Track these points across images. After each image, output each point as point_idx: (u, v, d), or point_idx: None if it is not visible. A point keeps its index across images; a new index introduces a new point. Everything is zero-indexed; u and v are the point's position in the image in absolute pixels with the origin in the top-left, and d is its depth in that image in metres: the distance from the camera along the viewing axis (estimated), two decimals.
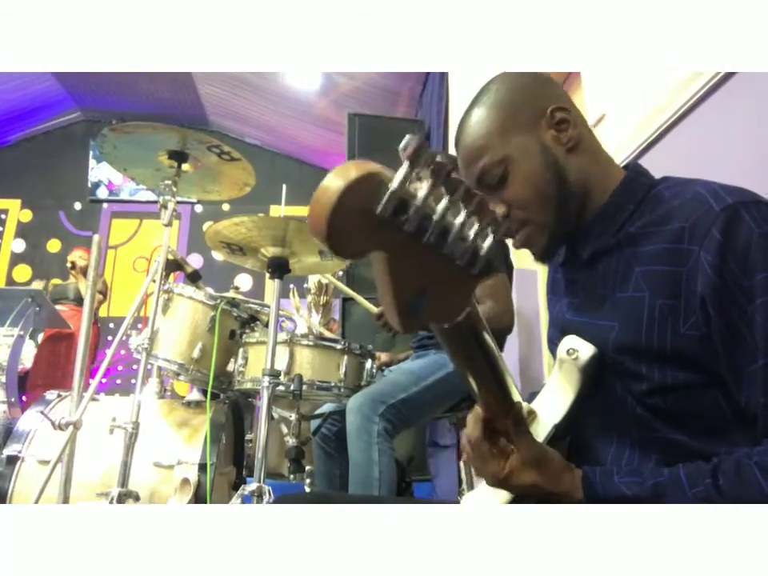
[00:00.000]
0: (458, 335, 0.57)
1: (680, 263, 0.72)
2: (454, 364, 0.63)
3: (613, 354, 0.77)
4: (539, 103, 0.85)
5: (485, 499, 0.82)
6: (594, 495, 0.70)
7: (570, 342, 0.81)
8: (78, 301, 4.59)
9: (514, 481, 0.72)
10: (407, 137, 0.43)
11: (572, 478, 0.73)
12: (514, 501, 0.78)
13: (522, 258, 2.75)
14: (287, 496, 1.00)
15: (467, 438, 0.76)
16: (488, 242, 0.48)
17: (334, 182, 0.40)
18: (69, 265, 4.79)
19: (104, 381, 5.66)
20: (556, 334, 0.91)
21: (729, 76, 1.29)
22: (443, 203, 0.45)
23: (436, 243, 0.45)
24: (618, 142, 1.72)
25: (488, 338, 0.60)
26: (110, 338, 6.29)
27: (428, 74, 4.74)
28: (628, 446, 0.79)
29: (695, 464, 0.69)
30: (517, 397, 0.72)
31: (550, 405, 0.80)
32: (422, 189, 0.43)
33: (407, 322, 0.46)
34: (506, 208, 0.84)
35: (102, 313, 6.53)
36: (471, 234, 0.47)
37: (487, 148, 0.84)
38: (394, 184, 0.42)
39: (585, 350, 0.79)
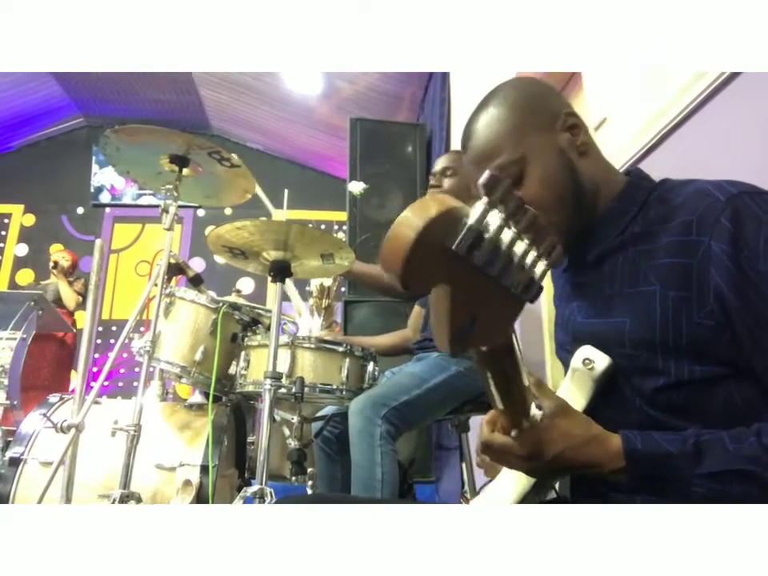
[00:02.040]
0: (495, 356, 0.57)
1: (689, 255, 0.73)
2: (482, 377, 0.62)
3: (630, 349, 0.77)
4: (553, 108, 0.87)
5: (491, 501, 0.82)
6: (633, 449, 0.70)
7: (586, 352, 0.81)
8: (57, 303, 4.47)
9: (550, 434, 0.69)
10: (486, 173, 0.43)
11: (605, 433, 0.72)
12: (528, 494, 0.77)
13: None
14: (288, 498, 1.00)
15: (483, 442, 0.75)
16: (541, 268, 0.49)
17: (412, 220, 0.41)
18: (51, 264, 4.68)
19: (106, 384, 5.68)
20: (567, 340, 0.91)
21: (734, 76, 1.29)
22: (510, 235, 0.45)
23: (501, 274, 0.45)
24: (620, 145, 1.72)
25: (518, 352, 0.59)
26: (112, 341, 6.30)
27: (429, 78, 4.74)
28: None
29: (736, 428, 0.69)
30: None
31: None
32: (494, 222, 0.44)
33: (456, 349, 0.47)
34: None
35: (105, 316, 6.56)
36: (529, 262, 0.48)
37: (503, 147, 0.84)
38: (472, 220, 0.42)
39: (600, 360, 0.79)
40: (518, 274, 0.47)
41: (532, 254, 0.48)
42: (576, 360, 0.81)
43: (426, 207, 0.41)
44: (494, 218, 0.44)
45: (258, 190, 2.14)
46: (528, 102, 0.87)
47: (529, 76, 0.92)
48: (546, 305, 2.65)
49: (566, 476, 0.81)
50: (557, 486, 0.85)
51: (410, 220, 0.41)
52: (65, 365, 4.38)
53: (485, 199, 0.43)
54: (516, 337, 0.59)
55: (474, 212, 0.42)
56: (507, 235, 0.45)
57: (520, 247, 0.47)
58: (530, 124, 0.85)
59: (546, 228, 0.48)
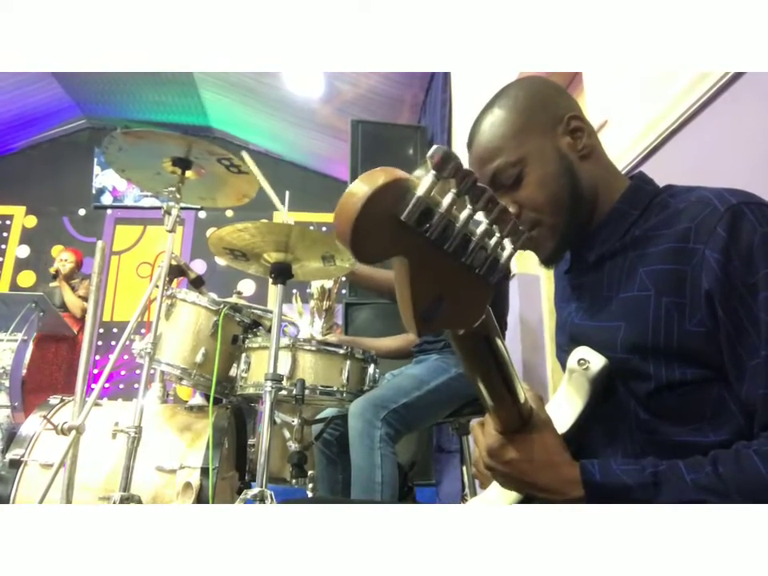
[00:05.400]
0: (471, 342, 0.57)
1: (685, 262, 0.73)
2: (466, 370, 0.62)
3: (621, 353, 0.77)
4: (556, 110, 0.87)
5: (488, 503, 0.82)
6: (591, 481, 0.70)
7: (582, 352, 0.81)
8: (63, 307, 4.35)
9: (514, 441, 0.71)
10: (434, 146, 0.44)
11: (568, 462, 0.72)
12: (526, 497, 0.77)
13: (525, 263, 2.75)
14: (288, 500, 1.00)
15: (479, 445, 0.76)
16: (507, 252, 0.49)
17: (360, 188, 0.41)
18: (53, 273, 4.48)
19: (107, 385, 5.69)
20: (564, 340, 0.92)
21: (735, 78, 1.28)
22: (466, 212, 0.46)
23: (457, 251, 0.46)
24: (621, 147, 1.72)
25: (501, 345, 0.60)
26: (113, 342, 6.31)
27: (431, 80, 4.75)
28: (632, 453, 0.79)
29: (694, 457, 0.69)
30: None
31: (558, 414, 0.80)
32: (446, 197, 0.44)
33: (422, 327, 0.47)
34: (518, 209, 0.85)
35: (106, 317, 6.56)
36: (492, 243, 0.48)
37: (503, 149, 0.85)
38: (420, 191, 0.42)
39: (596, 361, 0.79)
40: (479, 253, 0.47)
41: (495, 236, 0.48)
42: (572, 360, 0.81)
43: (374, 176, 0.41)
44: (447, 194, 0.44)
45: (265, 185, 2.14)
46: (532, 104, 0.87)
47: (536, 75, 0.92)
48: (546, 307, 2.64)
49: (528, 497, 0.79)
50: None
51: (359, 188, 0.41)
52: (77, 366, 4.30)
53: (433, 172, 0.43)
54: (500, 335, 0.59)
55: (422, 183, 0.43)
56: (463, 213, 0.45)
57: (480, 227, 0.47)
58: (532, 127, 0.85)
59: (508, 210, 0.48)
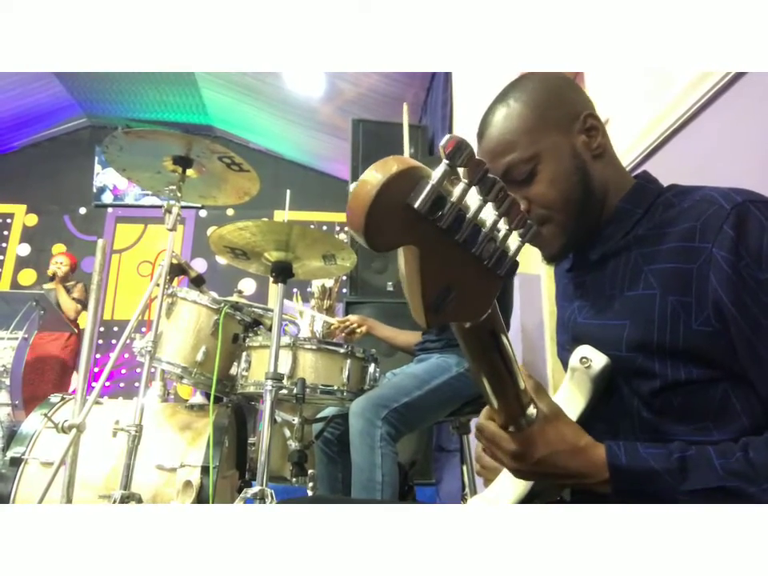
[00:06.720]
0: (477, 335, 0.57)
1: (691, 261, 0.73)
2: (470, 365, 0.62)
3: (626, 352, 0.77)
4: (573, 107, 0.86)
5: (489, 502, 0.82)
6: (617, 464, 0.69)
7: (584, 351, 0.80)
8: (59, 308, 4.39)
9: (537, 437, 0.69)
10: (447, 135, 0.44)
11: (593, 444, 0.72)
12: (526, 496, 0.77)
13: (525, 262, 2.74)
14: (289, 500, 1.00)
15: (477, 426, 0.75)
16: (516, 244, 0.50)
17: (374, 176, 0.41)
18: (50, 275, 4.55)
19: (107, 384, 5.68)
20: (567, 339, 0.91)
21: (738, 77, 1.28)
22: (477, 202, 0.45)
23: (467, 242, 0.46)
24: (623, 146, 1.71)
25: (505, 339, 0.59)
26: (113, 341, 6.31)
27: (432, 80, 4.75)
28: None
29: (724, 443, 0.69)
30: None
31: None
32: (458, 186, 0.44)
33: (431, 317, 0.47)
34: (527, 205, 0.85)
35: (107, 316, 6.56)
36: (500, 235, 0.48)
37: (517, 144, 0.84)
38: (434, 180, 0.42)
39: (598, 359, 0.79)
40: (488, 245, 0.47)
41: (503, 227, 0.48)
42: (574, 359, 0.81)
43: (388, 165, 0.42)
44: (459, 184, 0.44)
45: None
46: (548, 100, 0.86)
47: (553, 71, 0.90)
48: (547, 307, 2.64)
49: (553, 488, 0.78)
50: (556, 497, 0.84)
51: (372, 177, 0.41)
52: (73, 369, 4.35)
53: (446, 161, 0.43)
54: (505, 331, 0.59)
55: (435, 173, 0.43)
56: (473, 203, 0.45)
57: (489, 217, 0.47)
58: (547, 124, 0.84)
59: (517, 202, 0.48)
